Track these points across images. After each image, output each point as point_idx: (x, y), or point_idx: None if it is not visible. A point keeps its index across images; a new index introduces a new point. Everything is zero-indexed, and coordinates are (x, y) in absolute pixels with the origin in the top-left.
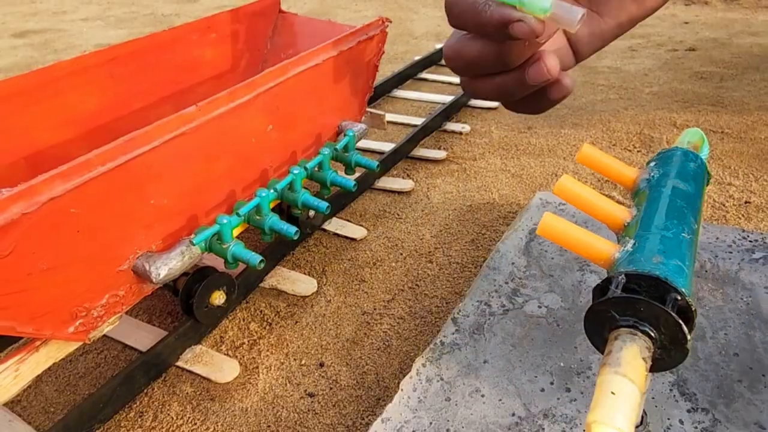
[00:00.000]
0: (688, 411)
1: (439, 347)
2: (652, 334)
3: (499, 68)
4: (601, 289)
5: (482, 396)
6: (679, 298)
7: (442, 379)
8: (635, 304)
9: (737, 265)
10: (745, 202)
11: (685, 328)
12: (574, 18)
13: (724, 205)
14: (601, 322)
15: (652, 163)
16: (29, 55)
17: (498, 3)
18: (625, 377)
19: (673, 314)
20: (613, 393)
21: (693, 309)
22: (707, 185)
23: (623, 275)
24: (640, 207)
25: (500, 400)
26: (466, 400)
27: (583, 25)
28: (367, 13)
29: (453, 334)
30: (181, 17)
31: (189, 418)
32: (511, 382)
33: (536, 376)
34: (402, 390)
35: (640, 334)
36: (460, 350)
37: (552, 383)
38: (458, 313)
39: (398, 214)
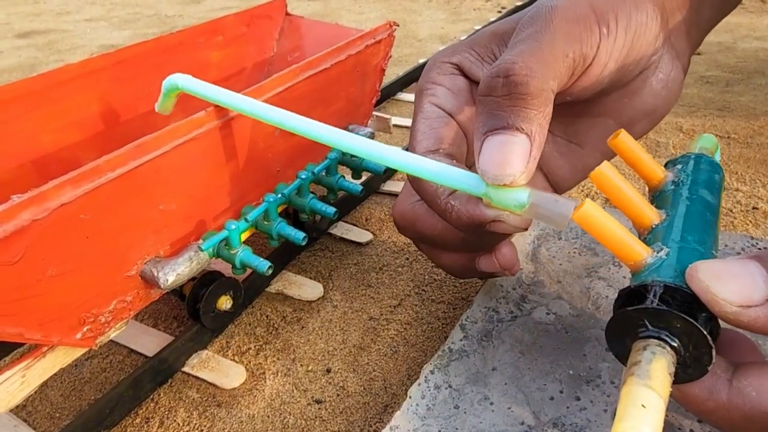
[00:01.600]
0: (699, 421)
1: (447, 354)
2: (679, 350)
3: (458, 249)
4: (630, 294)
5: (491, 404)
6: (711, 318)
7: (450, 387)
8: (671, 318)
9: None
10: (753, 208)
11: (714, 351)
12: (564, 213)
13: (731, 211)
14: (627, 328)
15: (678, 166)
16: (33, 55)
17: (462, 199)
18: (654, 391)
19: (708, 336)
20: (643, 406)
21: (719, 332)
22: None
23: (661, 285)
24: (668, 212)
25: (509, 408)
26: (474, 408)
27: (563, 161)
28: (371, 15)
29: (461, 340)
30: (185, 18)
31: (195, 424)
32: (520, 390)
33: (545, 384)
34: (410, 397)
35: (668, 348)
36: (469, 357)
37: (561, 391)
38: (466, 320)
39: None
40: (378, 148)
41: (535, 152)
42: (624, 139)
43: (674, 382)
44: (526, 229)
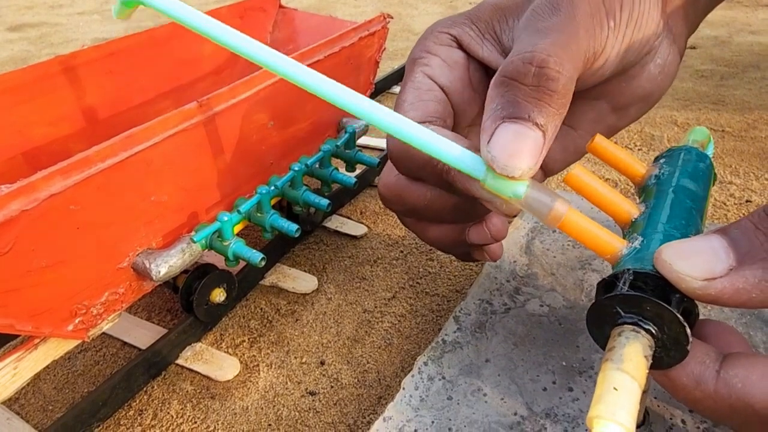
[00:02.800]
0: (691, 411)
1: (440, 345)
2: (655, 333)
3: (447, 220)
4: (606, 285)
5: (484, 395)
6: (685, 299)
7: (443, 378)
8: (641, 302)
9: None
10: (746, 201)
11: (688, 331)
12: (557, 214)
13: (725, 204)
14: (605, 317)
15: (662, 160)
16: (25, 49)
17: (458, 172)
18: (627, 374)
19: (679, 315)
20: (615, 389)
21: (696, 311)
22: (713, 186)
23: (631, 272)
24: (648, 204)
25: (502, 399)
26: (468, 399)
27: (555, 142)
28: (367, 9)
29: (455, 332)
30: None
31: (189, 416)
32: (513, 381)
33: (538, 375)
34: (404, 389)
35: (643, 332)
36: (462, 349)
37: (554, 382)
38: (460, 312)
39: None
40: (370, 105)
41: (545, 151)
42: (600, 142)
43: (660, 366)
44: (515, 216)
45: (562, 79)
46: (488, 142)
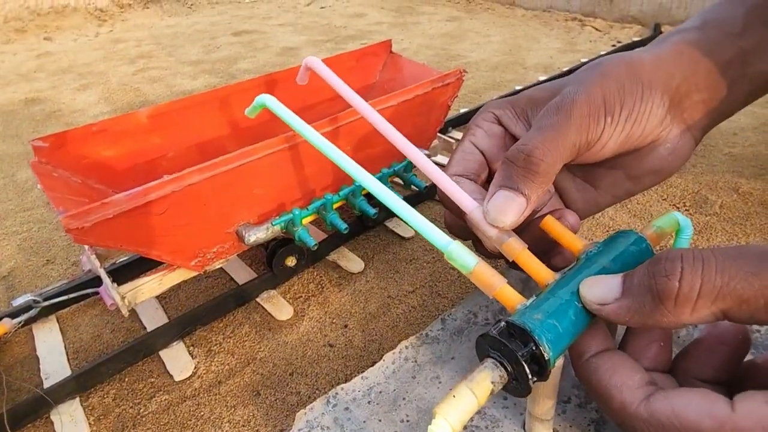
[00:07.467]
0: None
1: (423, 337)
2: (508, 369)
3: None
4: (492, 326)
5: (440, 382)
6: (534, 349)
7: (415, 362)
8: (501, 345)
9: None
10: None
11: (528, 373)
12: (487, 291)
13: None
14: (481, 348)
15: (602, 240)
16: (237, 51)
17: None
18: (471, 390)
19: (522, 361)
20: (454, 396)
21: (547, 360)
22: None
23: (505, 322)
24: (564, 274)
25: (450, 389)
26: (426, 382)
27: (579, 196)
28: (494, 39)
29: (438, 330)
30: (348, 29)
31: (252, 337)
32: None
33: None
34: (384, 361)
35: (499, 366)
36: (438, 344)
37: None
38: (448, 316)
39: None
40: (389, 196)
41: (527, 211)
42: (549, 221)
43: (516, 394)
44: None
45: (542, 165)
46: (488, 202)
